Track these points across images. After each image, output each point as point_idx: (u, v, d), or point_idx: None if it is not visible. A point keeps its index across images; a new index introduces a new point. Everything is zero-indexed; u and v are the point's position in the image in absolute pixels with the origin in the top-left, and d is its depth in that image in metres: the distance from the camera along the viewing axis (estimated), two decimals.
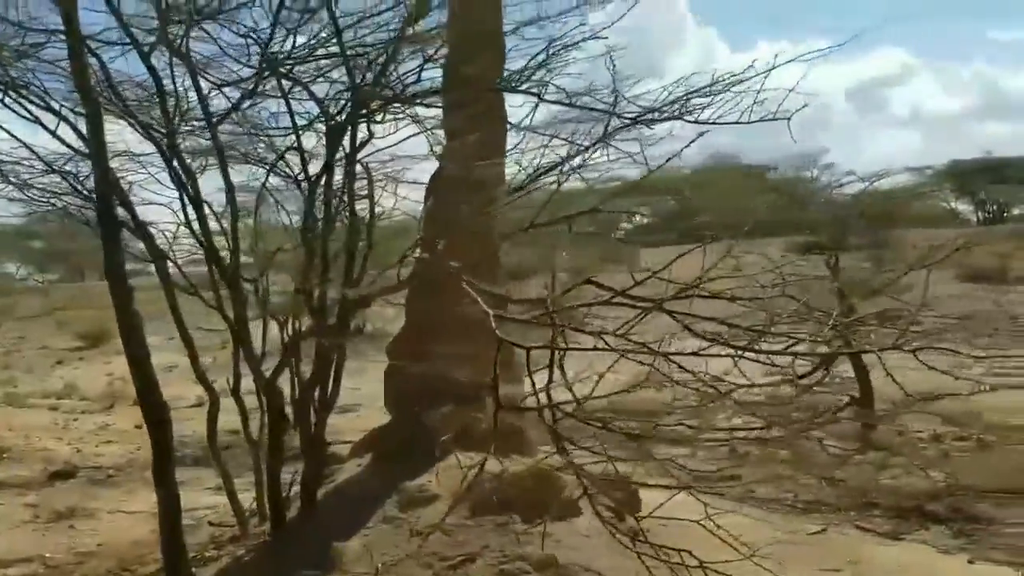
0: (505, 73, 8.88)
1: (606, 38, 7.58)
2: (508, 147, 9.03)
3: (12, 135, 7.59)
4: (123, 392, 15.32)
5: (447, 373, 6.87)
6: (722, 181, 36.35)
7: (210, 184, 7.96)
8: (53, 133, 7.30)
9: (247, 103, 7.38)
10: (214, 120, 6.73)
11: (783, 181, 37.31)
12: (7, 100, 7.12)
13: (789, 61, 6.58)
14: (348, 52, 7.02)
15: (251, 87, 6.78)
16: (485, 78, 8.94)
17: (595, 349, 4.46)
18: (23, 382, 18.22)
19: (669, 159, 6.72)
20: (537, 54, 8.10)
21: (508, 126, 9.10)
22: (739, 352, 4.83)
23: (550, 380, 4.83)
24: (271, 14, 6.37)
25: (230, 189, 6.97)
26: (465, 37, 9.10)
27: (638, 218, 44.44)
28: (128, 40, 6.52)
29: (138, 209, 7.77)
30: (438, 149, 8.39)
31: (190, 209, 7.32)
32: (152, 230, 7.90)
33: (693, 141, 6.81)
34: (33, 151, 7.66)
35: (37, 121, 7.28)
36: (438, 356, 7.30)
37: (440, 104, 8.16)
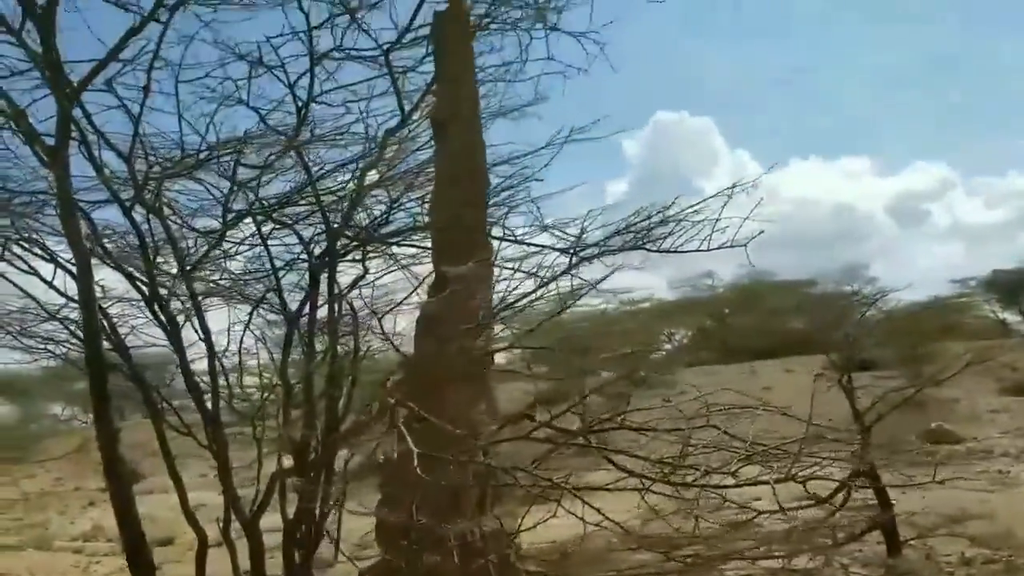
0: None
1: (541, 180, 7.91)
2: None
3: (15, 285, 8.03)
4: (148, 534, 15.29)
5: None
6: (760, 299, 36.08)
7: (216, 322, 8.28)
8: (49, 283, 7.74)
9: (229, 247, 7.72)
10: (187, 268, 7.02)
11: (823, 297, 36.86)
12: (6, 254, 7.60)
13: (739, 188, 6.72)
14: (322, 196, 7.36)
15: (220, 234, 7.10)
16: (469, 212, 9.28)
17: (506, 485, 4.44)
18: (55, 523, 18.38)
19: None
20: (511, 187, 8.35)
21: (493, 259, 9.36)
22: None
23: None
24: (233, 165, 6.72)
25: (207, 334, 7.21)
26: (449, 174, 9.50)
27: (678, 338, 44.20)
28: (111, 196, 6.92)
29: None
30: (418, 287, 8.59)
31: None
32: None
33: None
34: (35, 300, 8.07)
35: (35, 272, 7.73)
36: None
37: (416, 243, 8.39)
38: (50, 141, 6.78)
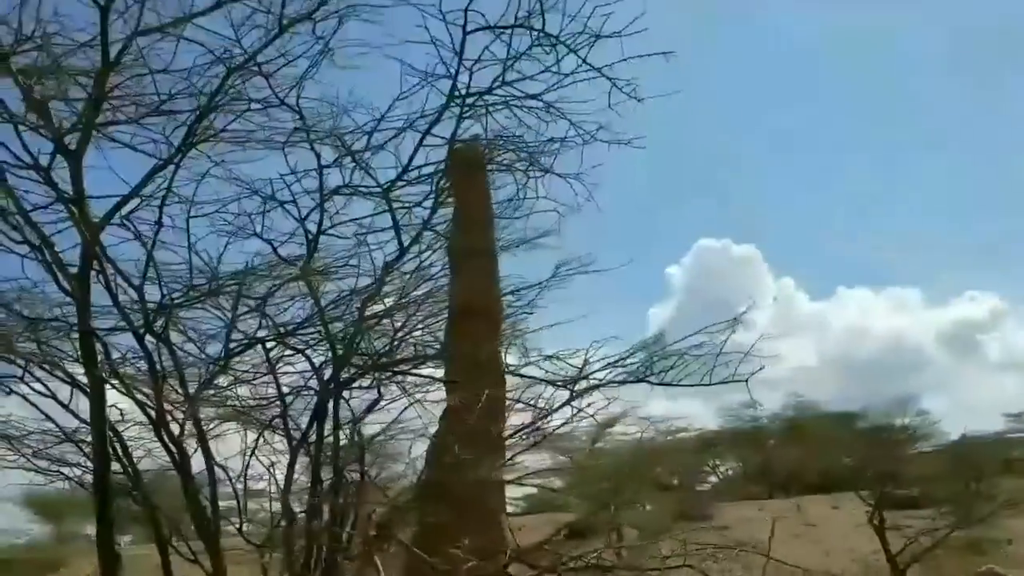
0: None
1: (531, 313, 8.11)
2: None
3: (35, 405, 8.27)
4: None
5: None
6: (806, 431, 35.23)
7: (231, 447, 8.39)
8: (65, 406, 7.98)
9: (241, 372, 7.91)
10: (190, 394, 7.20)
11: (871, 429, 35.84)
12: (27, 376, 7.89)
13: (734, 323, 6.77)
14: (329, 323, 7.57)
15: (224, 361, 7.31)
16: (484, 344, 9.42)
17: None
18: None
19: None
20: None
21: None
22: None
23: None
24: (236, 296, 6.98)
25: (208, 460, 7.32)
26: (464, 306, 9.71)
27: (725, 470, 43.11)
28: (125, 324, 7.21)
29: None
30: (425, 418, 8.65)
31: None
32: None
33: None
34: (53, 420, 8.30)
35: (52, 395, 7.99)
36: None
37: (421, 372, 8.50)
38: (71, 269, 7.18)
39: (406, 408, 8.26)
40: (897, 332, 60.58)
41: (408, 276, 8.34)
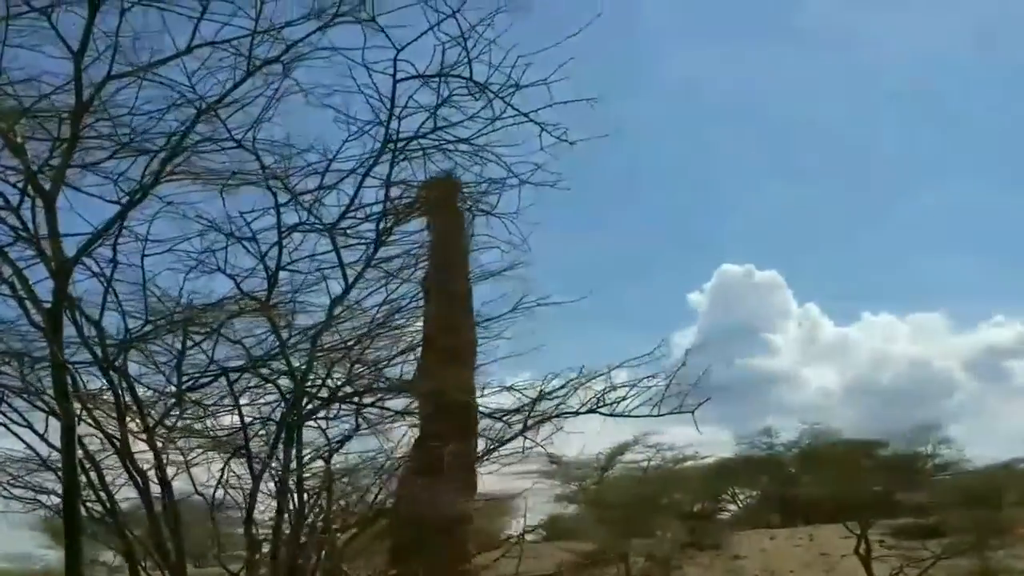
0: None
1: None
2: None
3: (16, 434, 8.53)
4: None
5: None
6: (824, 459, 34.80)
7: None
8: (41, 435, 8.23)
9: (211, 405, 8.15)
10: (150, 425, 7.44)
11: (894, 457, 35.27)
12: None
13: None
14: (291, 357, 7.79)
15: (178, 394, 7.54)
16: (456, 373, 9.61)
17: None
18: None
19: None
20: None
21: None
22: None
23: None
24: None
25: (164, 487, 7.53)
26: (437, 336, 9.90)
27: (744, 498, 42.65)
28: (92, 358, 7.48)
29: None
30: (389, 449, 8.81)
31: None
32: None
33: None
34: (32, 448, 8.56)
35: (28, 425, 8.26)
36: None
37: (384, 404, 8.68)
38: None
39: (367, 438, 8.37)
40: (923, 358, 59.66)
41: (371, 309, 8.53)
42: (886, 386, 50.07)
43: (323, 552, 8.29)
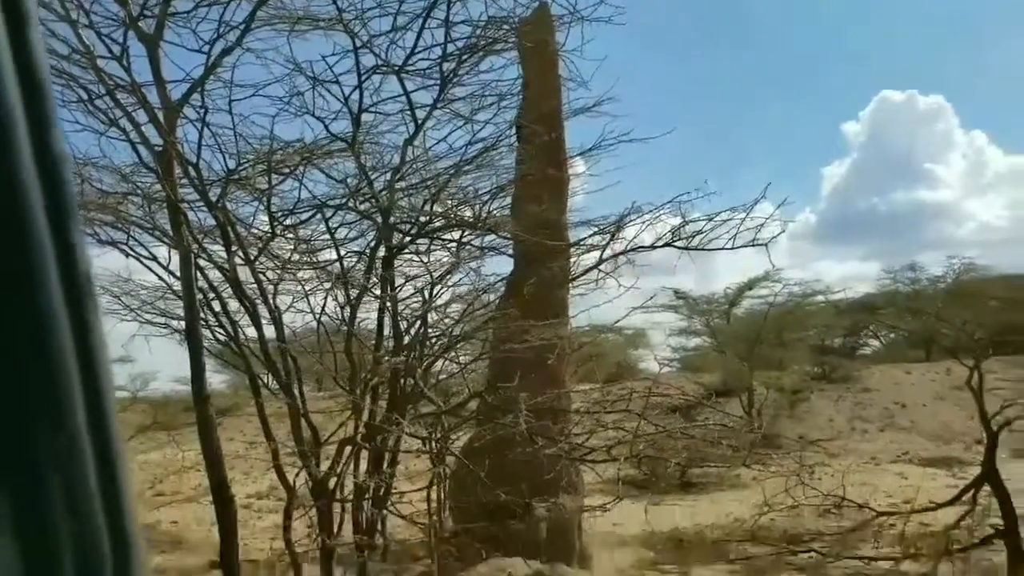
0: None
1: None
2: None
3: (142, 262, 9.41)
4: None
5: None
6: (974, 294, 33.49)
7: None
8: (165, 267, 9.10)
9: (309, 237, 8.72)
10: (252, 258, 8.04)
11: None
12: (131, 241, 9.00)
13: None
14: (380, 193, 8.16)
15: (272, 230, 8.06)
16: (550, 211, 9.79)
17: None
18: (238, 483, 20.57)
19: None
20: None
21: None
22: None
23: None
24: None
25: (272, 313, 8.21)
26: (532, 175, 10.04)
27: (886, 334, 41.82)
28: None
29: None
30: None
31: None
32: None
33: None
34: (162, 278, 9.49)
35: (154, 257, 9.10)
36: None
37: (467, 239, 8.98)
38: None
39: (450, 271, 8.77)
40: None
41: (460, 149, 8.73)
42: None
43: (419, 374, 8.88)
